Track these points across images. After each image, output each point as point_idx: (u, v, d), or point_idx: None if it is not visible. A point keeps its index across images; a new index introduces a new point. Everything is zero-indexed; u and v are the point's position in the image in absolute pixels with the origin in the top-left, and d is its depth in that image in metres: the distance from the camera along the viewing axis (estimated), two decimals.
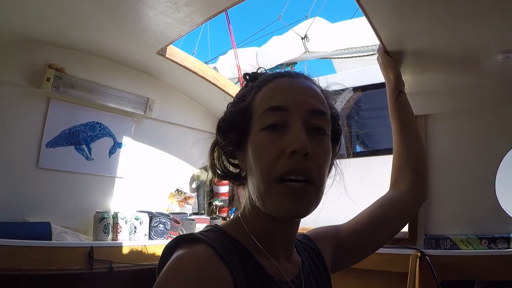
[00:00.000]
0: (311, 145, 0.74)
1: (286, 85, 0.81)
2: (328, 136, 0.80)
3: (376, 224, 1.09)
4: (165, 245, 0.77)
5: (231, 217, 2.79)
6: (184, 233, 2.38)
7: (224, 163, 0.88)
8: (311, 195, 0.75)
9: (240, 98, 0.85)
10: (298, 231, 0.89)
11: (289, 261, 0.87)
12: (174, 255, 0.71)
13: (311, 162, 0.74)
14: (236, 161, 0.87)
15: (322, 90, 0.86)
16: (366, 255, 1.10)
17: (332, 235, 1.05)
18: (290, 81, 0.82)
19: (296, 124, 0.75)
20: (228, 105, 0.88)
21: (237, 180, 0.89)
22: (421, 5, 1.26)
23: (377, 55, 1.56)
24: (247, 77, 0.92)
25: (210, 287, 0.65)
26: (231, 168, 0.89)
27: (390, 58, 1.48)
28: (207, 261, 0.69)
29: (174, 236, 2.31)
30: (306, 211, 0.76)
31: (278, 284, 0.79)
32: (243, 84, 0.93)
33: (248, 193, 0.84)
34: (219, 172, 0.90)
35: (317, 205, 0.78)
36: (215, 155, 0.89)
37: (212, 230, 0.81)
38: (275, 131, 0.76)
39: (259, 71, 0.92)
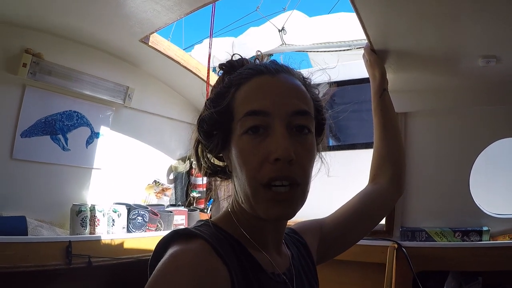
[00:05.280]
0: (295, 146, 0.75)
1: (266, 85, 0.79)
2: (313, 132, 0.81)
3: (359, 217, 1.13)
4: (152, 239, 0.76)
5: (209, 208, 2.78)
6: (162, 225, 2.38)
7: (209, 158, 0.87)
8: (297, 198, 0.77)
9: (219, 96, 0.83)
10: None
11: (280, 254, 0.89)
12: (170, 251, 0.70)
13: (295, 166, 0.75)
14: (220, 154, 0.86)
15: (304, 83, 0.85)
16: (349, 247, 1.15)
17: (317, 229, 1.08)
18: (271, 80, 0.80)
19: (279, 129, 0.75)
20: (206, 101, 0.85)
21: (225, 174, 0.89)
22: (410, 6, 1.29)
23: (363, 52, 1.59)
24: (223, 67, 0.89)
25: (207, 283, 0.65)
26: (216, 162, 0.88)
27: (376, 56, 1.52)
28: (203, 257, 0.70)
29: (152, 229, 2.31)
30: (292, 214, 0.77)
31: (271, 277, 0.81)
32: (219, 76, 0.91)
33: (234, 190, 0.84)
34: (209, 171, 0.89)
35: (303, 204, 0.79)
36: (200, 152, 0.88)
37: (205, 224, 0.81)
38: (257, 135, 0.76)
39: (234, 58, 0.90)
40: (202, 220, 0.84)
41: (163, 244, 0.74)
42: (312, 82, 0.89)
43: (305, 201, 0.79)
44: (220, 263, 0.70)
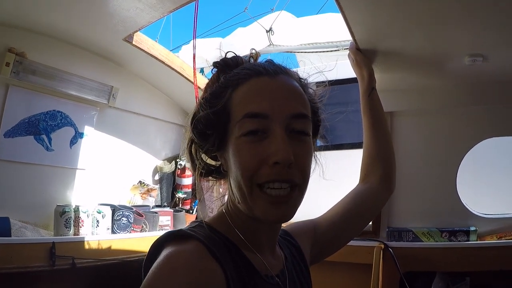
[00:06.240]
0: (294, 149, 0.74)
1: (265, 87, 0.78)
2: (310, 135, 0.80)
3: (351, 217, 1.13)
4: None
5: (195, 209, 2.76)
6: (148, 226, 2.36)
7: (203, 158, 0.86)
8: (295, 199, 0.76)
9: (215, 95, 0.81)
10: None
11: (273, 256, 0.88)
12: (165, 252, 0.70)
13: (294, 169, 0.74)
14: (215, 154, 0.85)
15: (300, 83, 0.84)
16: (341, 247, 1.14)
17: (310, 231, 1.07)
18: (270, 82, 0.78)
19: (278, 131, 0.74)
20: (201, 100, 0.83)
21: (219, 174, 0.87)
22: (397, 5, 1.29)
23: (348, 52, 1.58)
24: (218, 66, 0.88)
25: (203, 284, 0.65)
26: (209, 161, 0.87)
27: (363, 55, 1.51)
28: (199, 258, 0.69)
29: (137, 230, 2.29)
30: (290, 215, 0.76)
31: (264, 279, 0.80)
32: (213, 74, 0.89)
33: (230, 190, 0.83)
34: (203, 172, 0.87)
35: (300, 204, 0.78)
36: (193, 151, 0.86)
37: (199, 225, 0.80)
38: (256, 136, 0.74)
39: (228, 56, 0.88)
40: (196, 221, 0.84)
41: (157, 246, 0.74)
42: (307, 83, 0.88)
43: (302, 201, 0.78)
44: (216, 264, 0.70)
